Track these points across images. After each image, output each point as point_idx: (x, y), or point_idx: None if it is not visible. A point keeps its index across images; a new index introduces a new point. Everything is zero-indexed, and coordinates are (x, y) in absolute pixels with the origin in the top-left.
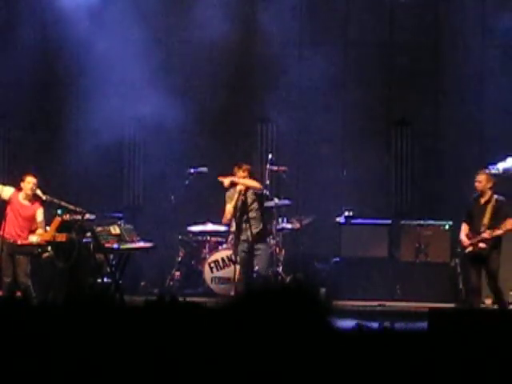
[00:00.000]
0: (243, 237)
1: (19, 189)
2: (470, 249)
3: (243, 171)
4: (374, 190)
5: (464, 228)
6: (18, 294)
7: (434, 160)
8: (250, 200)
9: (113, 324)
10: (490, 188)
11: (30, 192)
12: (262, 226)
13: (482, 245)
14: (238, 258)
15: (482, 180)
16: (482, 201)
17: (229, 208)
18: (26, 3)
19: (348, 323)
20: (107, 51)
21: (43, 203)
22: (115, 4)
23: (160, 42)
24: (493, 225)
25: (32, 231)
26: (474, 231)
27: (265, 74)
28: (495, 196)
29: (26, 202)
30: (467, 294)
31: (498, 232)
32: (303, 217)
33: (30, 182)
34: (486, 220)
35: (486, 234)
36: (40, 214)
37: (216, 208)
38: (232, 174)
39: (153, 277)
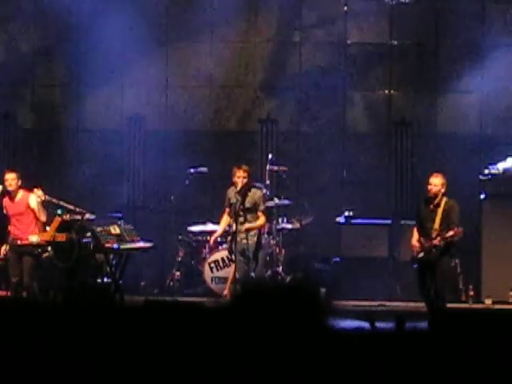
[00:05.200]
0: (238, 238)
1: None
2: (421, 255)
3: (243, 172)
4: (374, 190)
5: (415, 233)
6: (24, 294)
7: (434, 160)
8: (248, 203)
9: (113, 324)
10: (444, 192)
11: (11, 188)
12: (258, 231)
13: (433, 250)
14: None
15: (437, 184)
16: (432, 205)
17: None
18: (25, 3)
19: (348, 323)
20: (108, 51)
21: (30, 191)
22: (115, 6)
23: (160, 41)
24: (443, 229)
25: (43, 225)
26: (426, 236)
27: (265, 74)
28: (445, 199)
29: (15, 199)
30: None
31: (446, 237)
32: (303, 217)
33: (7, 178)
34: (436, 225)
35: (436, 242)
36: (32, 201)
37: (216, 208)
38: (231, 175)
39: (153, 277)
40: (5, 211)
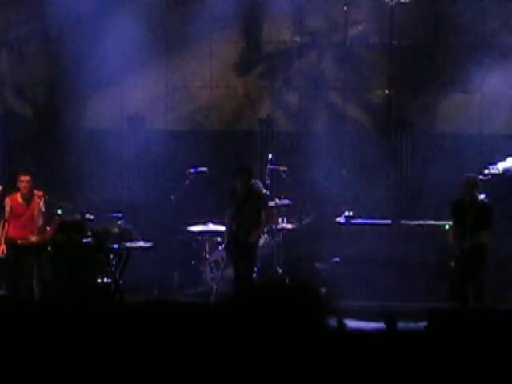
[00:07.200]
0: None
1: (16, 190)
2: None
3: (243, 173)
4: (373, 190)
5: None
6: (23, 294)
7: (434, 160)
8: (247, 203)
9: (113, 323)
10: (479, 192)
11: (25, 190)
12: (254, 232)
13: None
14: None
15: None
16: (469, 204)
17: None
18: (26, 4)
19: (348, 323)
20: (108, 51)
21: (41, 197)
22: (116, 6)
23: (160, 41)
24: (478, 228)
25: (42, 225)
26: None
27: (265, 74)
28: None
29: (26, 202)
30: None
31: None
32: (303, 217)
33: (23, 180)
34: (471, 222)
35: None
36: (42, 205)
37: (216, 208)
38: (232, 177)
39: (153, 277)
40: (7, 210)
